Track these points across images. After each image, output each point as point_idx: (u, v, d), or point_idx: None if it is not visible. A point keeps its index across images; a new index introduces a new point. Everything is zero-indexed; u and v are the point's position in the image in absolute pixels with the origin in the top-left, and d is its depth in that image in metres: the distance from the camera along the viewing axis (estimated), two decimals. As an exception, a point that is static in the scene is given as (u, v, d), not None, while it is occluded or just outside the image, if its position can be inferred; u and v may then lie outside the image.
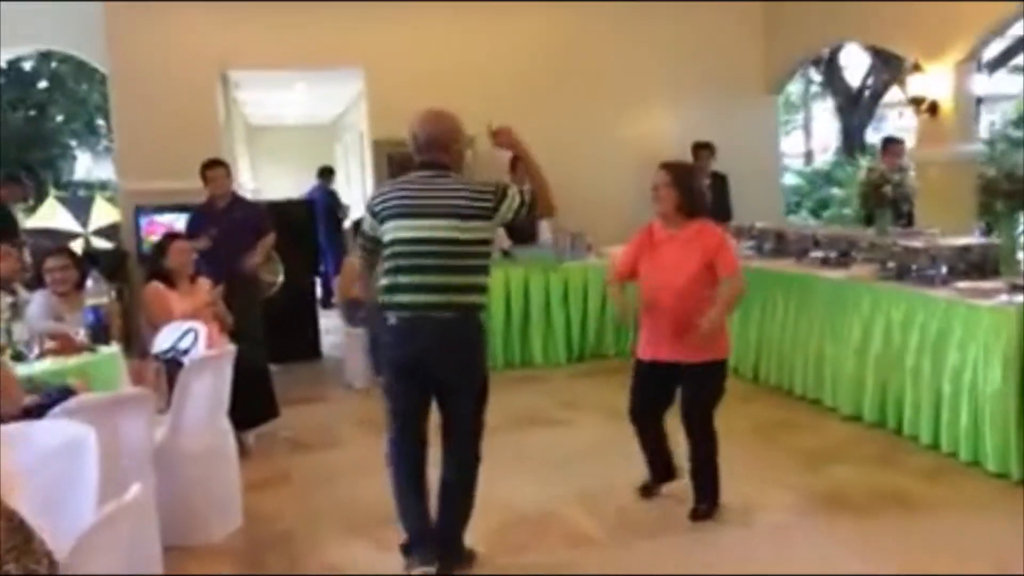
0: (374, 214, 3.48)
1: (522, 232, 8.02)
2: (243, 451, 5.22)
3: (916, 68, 7.16)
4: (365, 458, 5.29)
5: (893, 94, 18.74)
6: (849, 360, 5.55)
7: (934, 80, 7.03)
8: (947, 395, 4.80)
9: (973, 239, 5.53)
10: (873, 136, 19.47)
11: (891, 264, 5.59)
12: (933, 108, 7.04)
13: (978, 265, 5.24)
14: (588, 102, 8.92)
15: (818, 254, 6.49)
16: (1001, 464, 4.47)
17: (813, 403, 5.96)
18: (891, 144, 7.71)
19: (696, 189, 4.23)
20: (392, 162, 8.45)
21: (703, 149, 8.34)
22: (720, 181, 8.48)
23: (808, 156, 22.39)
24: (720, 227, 4.26)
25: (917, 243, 5.34)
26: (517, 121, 8.73)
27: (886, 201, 5.81)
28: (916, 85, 7.16)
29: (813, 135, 25.56)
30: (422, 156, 3.49)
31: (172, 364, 4.48)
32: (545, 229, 8.18)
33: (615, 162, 8.93)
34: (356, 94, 10.95)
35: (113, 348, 4.47)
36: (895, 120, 25.29)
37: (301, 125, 16.58)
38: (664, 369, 4.16)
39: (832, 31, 8.46)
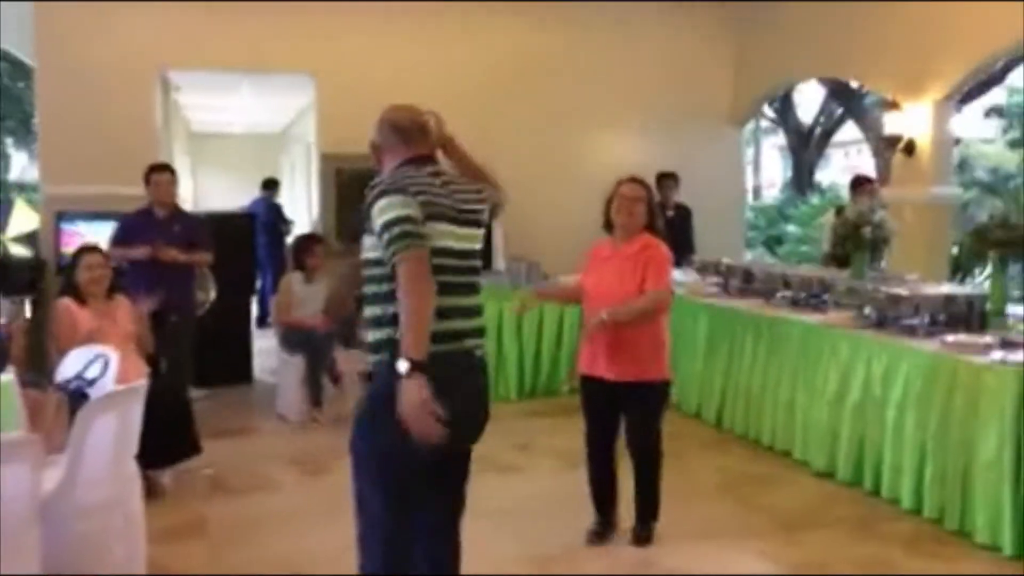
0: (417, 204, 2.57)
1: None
2: (155, 492, 4.68)
3: (893, 106, 6.88)
4: (295, 505, 4.79)
5: (842, 133, 18.85)
6: (823, 412, 5.18)
7: (911, 118, 6.76)
8: (932, 457, 4.45)
9: (958, 288, 5.22)
10: (821, 174, 19.54)
11: (869, 311, 5.25)
12: (910, 147, 6.77)
13: (963, 316, 4.93)
14: (550, 126, 8.52)
15: (787, 295, 6.16)
16: (991, 536, 4.11)
17: (782, 455, 5.57)
18: (862, 184, 7.47)
19: (656, 209, 4.33)
20: (341, 177, 7.95)
21: (667, 179, 7.98)
22: (684, 213, 8.14)
23: (756, 192, 22.39)
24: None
25: (901, 290, 5.00)
26: (475, 143, 8.28)
27: (864, 243, 5.48)
28: (892, 123, 6.88)
29: (761, 171, 25.61)
30: (418, 148, 2.75)
31: (76, 396, 3.92)
32: (499, 256, 7.76)
33: (575, 189, 8.49)
34: (305, 104, 10.45)
35: (6, 376, 3.89)
36: (840, 160, 25.52)
37: (246, 134, 15.99)
38: (606, 388, 4.11)
39: (805, 65, 8.21)
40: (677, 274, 6.68)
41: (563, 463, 5.55)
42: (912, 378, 4.60)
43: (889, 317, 5.10)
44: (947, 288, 5.13)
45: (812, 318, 5.54)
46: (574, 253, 8.16)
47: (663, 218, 4.37)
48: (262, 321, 9.69)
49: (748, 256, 11.08)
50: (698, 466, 5.48)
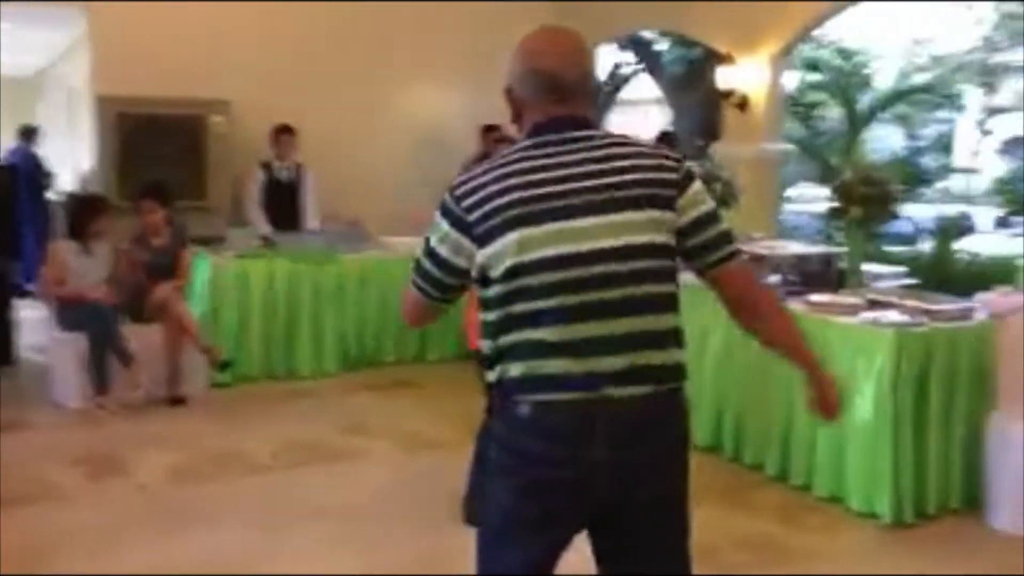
0: (462, 225, 1.84)
1: (284, 217, 6.80)
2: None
3: (727, 59, 6.71)
4: (89, 517, 3.95)
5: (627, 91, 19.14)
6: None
7: (747, 73, 6.61)
8: (800, 422, 4.26)
9: (813, 247, 5.11)
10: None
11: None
12: (743, 103, 6.63)
13: (819, 275, 4.79)
14: (364, 74, 7.72)
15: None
16: (868, 504, 3.97)
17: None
18: (664, 138, 7.57)
19: None
20: (124, 124, 6.87)
21: (493, 132, 7.48)
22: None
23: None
24: None
25: (759, 249, 4.79)
26: (281, 90, 7.44)
27: (715, 201, 5.22)
28: (727, 78, 6.73)
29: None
30: (561, 107, 1.88)
31: None
32: (310, 215, 7.00)
33: (395, 142, 7.89)
34: (70, 41, 9.07)
35: None
36: (619, 119, 26.07)
37: (-6, 77, 13.97)
38: None
39: (632, 18, 7.92)
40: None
41: (402, 446, 5.00)
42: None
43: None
44: (802, 246, 4.99)
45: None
46: (396, 210, 7.58)
47: None
48: (22, 291, 8.34)
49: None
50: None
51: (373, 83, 7.77)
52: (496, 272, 1.81)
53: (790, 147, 7.86)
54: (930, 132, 19.74)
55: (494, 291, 1.84)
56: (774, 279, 4.71)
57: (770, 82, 6.50)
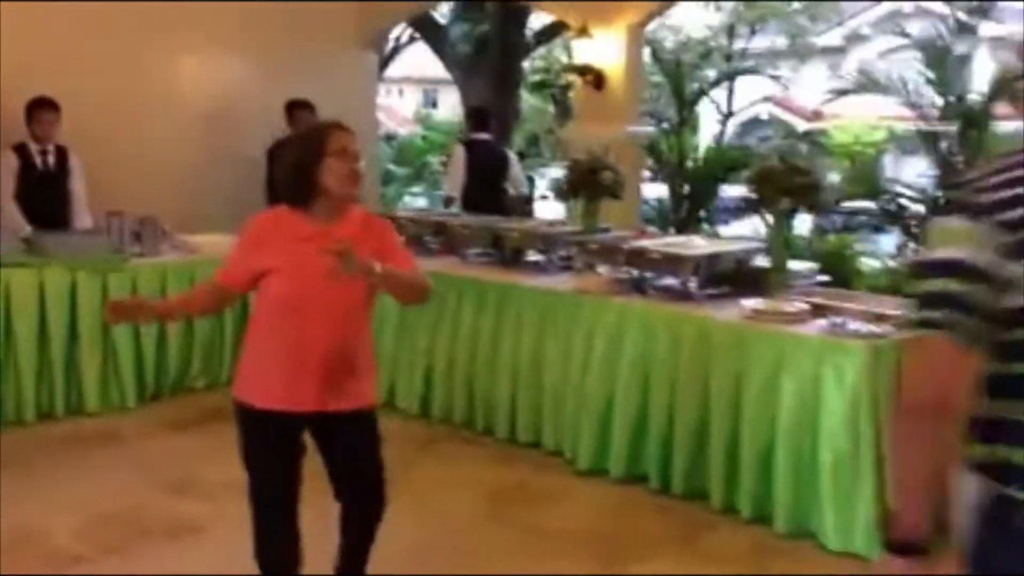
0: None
1: (46, 213, 5.38)
2: None
3: (582, 32, 6.05)
4: None
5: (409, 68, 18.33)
6: (591, 391, 4.20)
7: (601, 48, 5.98)
8: (780, 457, 3.63)
9: (728, 243, 4.61)
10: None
11: (623, 272, 4.42)
12: (599, 81, 6.01)
13: (733, 276, 4.29)
14: (140, 47, 6.34)
15: (489, 252, 5.14)
16: (844, 542, 3.49)
17: (527, 447, 4.54)
18: (477, 115, 6.99)
19: None
20: None
21: (301, 109, 6.39)
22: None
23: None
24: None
25: (677, 249, 4.21)
26: (35, 67, 5.88)
27: (603, 191, 4.62)
28: (580, 52, 6.09)
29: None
30: None
31: None
32: (83, 210, 5.60)
33: (183, 123, 6.61)
34: None
35: None
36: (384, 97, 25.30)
37: None
38: (300, 423, 2.79)
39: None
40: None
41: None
42: (720, 358, 3.80)
43: (649, 279, 4.32)
44: (717, 244, 4.49)
45: (552, 282, 4.58)
46: (193, 202, 6.30)
47: None
48: None
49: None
50: (431, 480, 4.23)
51: (143, 48, 6.40)
52: (1012, 304, 1.30)
53: (653, 129, 7.40)
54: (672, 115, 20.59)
55: (1009, 334, 1.32)
56: (689, 282, 4.15)
57: (628, 56, 5.93)
